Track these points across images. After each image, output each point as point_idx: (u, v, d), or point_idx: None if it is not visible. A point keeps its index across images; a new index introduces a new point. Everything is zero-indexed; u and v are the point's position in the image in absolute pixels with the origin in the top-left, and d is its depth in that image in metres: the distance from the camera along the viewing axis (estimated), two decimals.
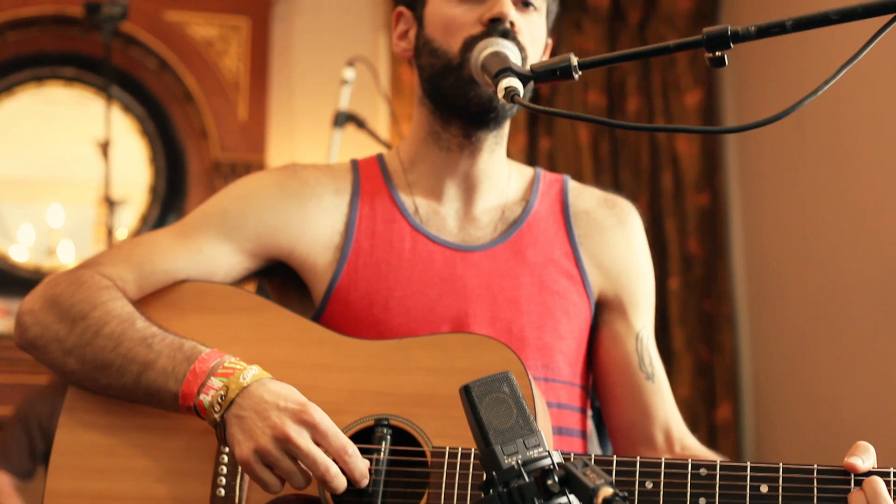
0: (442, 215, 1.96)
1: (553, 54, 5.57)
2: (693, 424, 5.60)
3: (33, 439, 4.09)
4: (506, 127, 2.00)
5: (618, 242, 2.03)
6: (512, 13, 1.87)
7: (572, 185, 2.10)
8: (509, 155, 5.85)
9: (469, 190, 1.98)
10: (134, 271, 1.84)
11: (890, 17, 1.53)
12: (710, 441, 5.74)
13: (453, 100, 1.88)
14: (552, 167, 5.85)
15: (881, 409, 4.70)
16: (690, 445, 1.97)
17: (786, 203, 5.61)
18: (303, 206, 1.93)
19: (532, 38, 1.92)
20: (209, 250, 1.88)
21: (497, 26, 1.85)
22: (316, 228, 1.92)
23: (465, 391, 1.31)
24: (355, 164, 2.03)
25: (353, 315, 1.86)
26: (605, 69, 6.02)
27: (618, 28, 6.16)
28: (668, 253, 5.97)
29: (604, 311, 2.01)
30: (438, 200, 1.97)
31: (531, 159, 5.84)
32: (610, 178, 5.94)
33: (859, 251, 4.97)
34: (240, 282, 1.95)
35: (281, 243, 1.91)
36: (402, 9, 2.02)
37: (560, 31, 6.04)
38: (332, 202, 1.95)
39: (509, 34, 1.85)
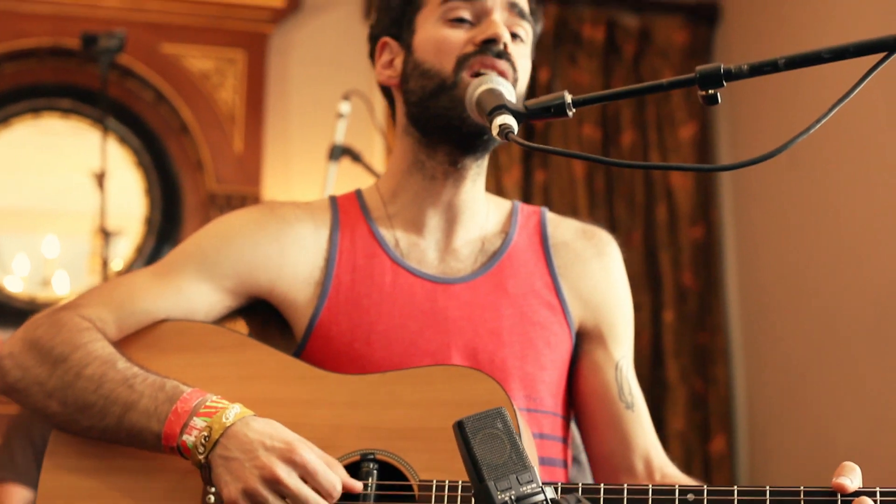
0: (422, 248, 1.97)
1: (548, 87, 5.61)
2: (687, 457, 5.65)
3: (37, 447, 4.05)
4: (486, 158, 2.01)
5: (596, 273, 2.04)
6: (506, 36, 1.89)
7: (550, 216, 2.10)
8: (505, 189, 5.86)
9: (451, 220, 1.98)
10: (114, 312, 1.83)
11: (881, 55, 1.54)
12: (704, 474, 5.73)
13: (447, 120, 1.88)
14: (547, 200, 5.87)
15: (875, 443, 4.70)
16: (670, 474, 1.98)
17: (779, 236, 5.63)
18: (282, 243, 1.93)
19: (522, 67, 1.94)
20: (189, 289, 1.88)
21: (492, 47, 1.87)
22: (296, 265, 1.92)
23: (459, 427, 1.31)
24: (334, 200, 2.04)
25: (335, 350, 1.86)
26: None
27: (612, 62, 6.19)
28: (663, 286, 5.98)
29: (584, 341, 2.01)
30: (419, 232, 1.97)
31: (526, 192, 5.86)
32: (605, 211, 5.96)
33: (852, 284, 4.98)
34: (221, 320, 1.94)
35: (261, 281, 1.91)
36: (386, 39, 2.03)
37: (555, 64, 6.07)
38: (311, 238, 1.95)
39: (504, 54, 1.88)
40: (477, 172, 1.98)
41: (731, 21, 6.23)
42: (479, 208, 2.02)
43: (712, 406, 5.89)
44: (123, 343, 1.83)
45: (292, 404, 1.76)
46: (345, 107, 4.35)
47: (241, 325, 2.01)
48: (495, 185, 5.77)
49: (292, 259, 1.92)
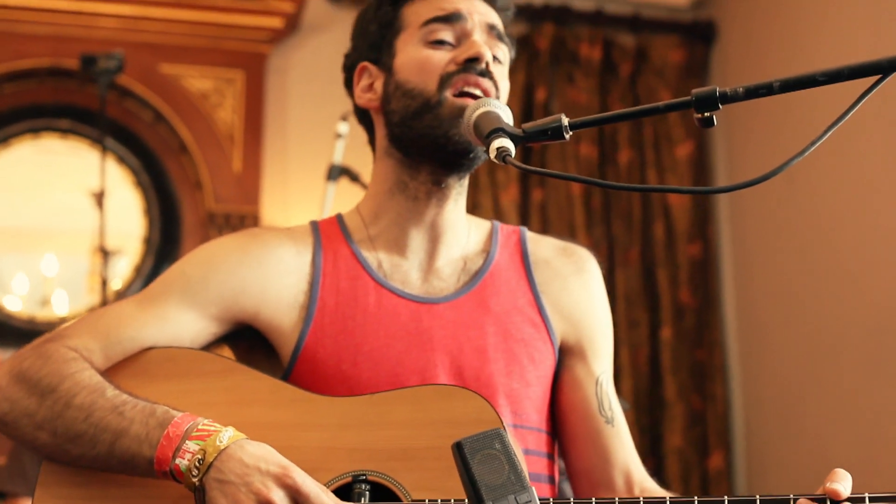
0: (405, 268, 1.98)
1: (546, 106, 5.62)
2: (685, 473, 5.67)
3: None
4: (468, 178, 2.02)
5: (577, 289, 2.06)
6: (489, 55, 1.92)
7: (530, 235, 2.12)
8: (503, 208, 5.87)
9: (434, 240, 1.99)
10: (100, 342, 1.83)
11: (875, 78, 1.56)
12: (703, 490, 5.75)
13: (432, 139, 1.89)
14: (544, 219, 5.89)
15: (871, 459, 4.71)
16: (650, 489, 1.98)
17: (776, 253, 5.65)
18: (265, 268, 1.93)
19: (503, 87, 1.96)
20: (174, 317, 1.88)
21: (475, 66, 1.89)
22: (280, 289, 1.93)
23: (458, 448, 1.32)
24: (315, 225, 2.05)
25: (322, 373, 1.87)
26: None
27: (609, 81, 6.22)
28: (661, 303, 6.00)
29: (565, 357, 2.02)
30: (402, 253, 1.99)
31: (524, 211, 5.87)
32: (602, 229, 5.98)
33: (848, 301, 5.00)
34: (207, 346, 1.94)
35: (245, 306, 1.91)
36: (365, 63, 2.04)
37: (553, 83, 6.10)
38: (294, 262, 1.95)
39: (486, 74, 1.90)
40: (458, 192, 2.00)
41: (727, 39, 6.26)
42: (461, 228, 2.04)
43: (710, 422, 5.90)
44: (111, 371, 1.82)
45: (283, 427, 1.76)
46: (343, 127, 4.36)
47: (226, 352, 2.01)
48: (493, 204, 5.79)
49: (276, 284, 1.93)
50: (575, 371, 2.02)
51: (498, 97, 1.92)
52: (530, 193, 5.90)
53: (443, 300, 1.95)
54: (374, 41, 2.03)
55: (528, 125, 1.70)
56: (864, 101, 1.55)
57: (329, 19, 6.00)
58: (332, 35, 5.99)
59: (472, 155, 1.90)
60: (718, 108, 1.57)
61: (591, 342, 2.04)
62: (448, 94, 1.88)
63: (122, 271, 5.61)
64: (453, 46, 1.94)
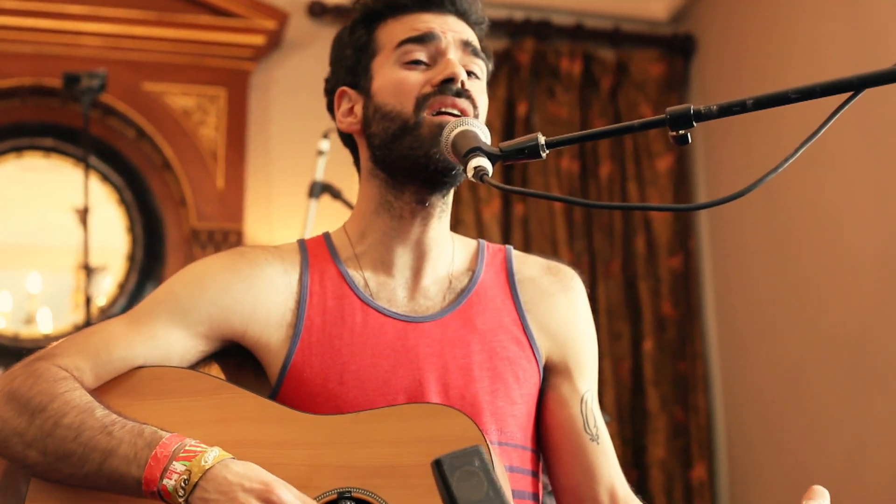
0: (391, 287, 1.99)
1: (527, 121, 5.65)
2: (668, 485, 5.69)
3: None
4: (451, 195, 2.04)
5: (562, 308, 2.07)
6: (464, 75, 1.93)
7: (516, 254, 2.14)
8: (485, 222, 5.89)
9: (419, 258, 2.01)
10: (90, 361, 1.84)
11: (846, 95, 1.59)
12: (686, 501, 5.77)
13: (413, 160, 1.91)
14: (526, 232, 5.91)
15: (852, 471, 4.74)
16: None
17: (756, 265, 5.68)
18: (253, 287, 1.94)
19: (481, 104, 1.97)
20: (164, 336, 1.89)
21: (450, 86, 1.91)
22: (268, 308, 1.94)
23: (437, 465, 1.33)
24: (302, 243, 2.06)
25: (309, 391, 1.88)
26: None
27: (590, 95, 6.25)
28: (642, 315, 6.02)
29: (550, 375, 2.04)
30: (388, 272, 2.00)
31: (506, 225, 5.89)
32: (584, 242, 6.00)
33: (829, 313, 5.04)
34: (196, 364, 1.95)
35: (234, 325, 1.93)
36: (343, 88, 2.06)
37: (533, 98, 6.13)
38: (282, 281, 1.97)
39: (462, 94, 1.91)
40: (442, 209, 2.01)
41: (706, 53, 6.30)
42: (446, 246, 2.06)
43: (693, 434, 5.92)
44: (101, 391, 1.84)
45: (269, 445, 1.77)
46: (324, 144, 4.38)
47: (215, 369, 2.03)
48: (475, 219, 5.81)
49: (264, 302, 1.94)
50: (560, 389, 2.03)
51: (476, 115, 1.93)
52: (512, 208, 5.93)
53: (428, 318, 1.96)
54: (350, 65, 2.05)
55: (504, 144, 1.73)
56: (836, 117, 1.58)
57: (311, 36, 6.02)
58: (315, 52, 6.00)
59: (454, 172, 1.91)
60: (693, 125, 1.59)
61: (577, 360, 2.06)
62: (425, 115, 1.89)
63: (106, 288, 5.61)
64: (428, 66, 1.96)
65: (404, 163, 1.92)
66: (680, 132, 1.61)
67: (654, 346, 5.97)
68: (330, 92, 2.11)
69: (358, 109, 2.03)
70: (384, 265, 2.00)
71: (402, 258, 2.00)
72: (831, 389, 5.00)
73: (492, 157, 1.72)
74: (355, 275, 1.99)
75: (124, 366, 1.87)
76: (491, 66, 2.10)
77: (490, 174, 1.70)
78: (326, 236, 2.09)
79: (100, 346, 1.86)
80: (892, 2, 4.73)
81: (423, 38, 1.96)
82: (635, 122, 1.65)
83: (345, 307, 1.95)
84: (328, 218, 4.67)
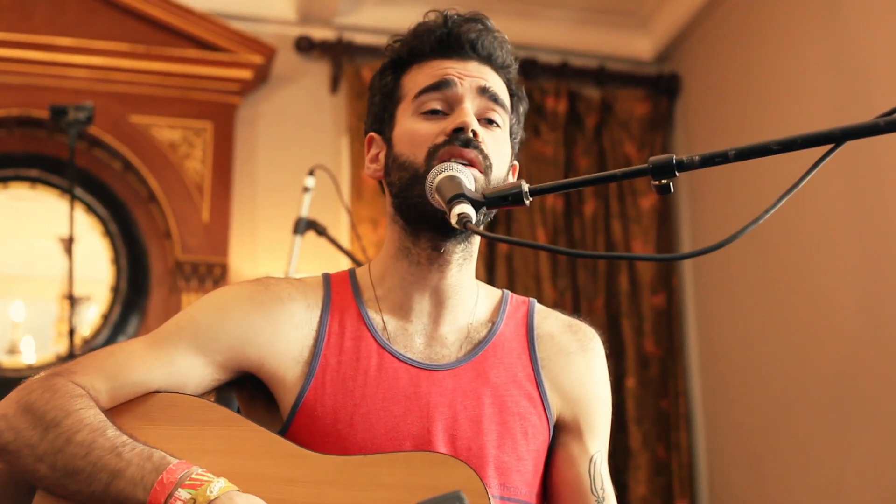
0: (409, 332, 1.99)
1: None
2: None
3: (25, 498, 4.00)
4: (475, 243, 2.04)
5: (579, 367, 2.07)
6: (475, 124, 1.92)
7: (538, 308, 2.13)
8: None
9: (438, 305, 2.01)
10: (107, 382, 1.86)
11: (828, 147, 1.60)
12: None
13: (422, 209, 1.91)
14: (510, 269, 5.92)
15: None
16: None
17: (739, 304, 5.71)
18: (274, 320, 1.95)
19: (497, 152, 1.96)
20: (182, 362, 1.91)
21: (460, 135, 1.91)
22: (287, 342, 1.95)
23: None
24: (327, 279, 2.07)
25: (319, 430, 1.88)
26: (563, 173, 6.12)
27: (574, 133, 6.28)
28: (625, 352, 6.04)
29: (560, 433, 2.04)
30: (406, 317, 2.00)
31: (490, 261, 5.90)
32: (567, 279, 6.02)
33: (810, 352, 5.06)
34: (211, 392, 1.97)
35: (251, 356, 1.94)
36: (372, 134, 2.08)
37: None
38: (303, 317, 1.97)
39: (471, 142, 1.90)
40: (462, 258, 2.01)
41: (691, 92, 6.34)
42: (468, 294, 2.05)
43: (675, 471, 5.93)
44: (115, 412, 1.85)
45: (274, 481, 1.79)
46: (310, 181, 4.39)
47: (229, 397, 2.05)
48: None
49: (284, 337, 1.95)
50: (570, 448, 2.03)
51: (489, 165, 1.93)
52: (497, 244, 5.93)
53: (443, 367, 1.96)
54: (377, 112, 2.07)
55: (489, 191, 1.74)
56: (816, 170, 1.59)
57: (298, 71, 6.05)
58: (302, 87, 6.05)
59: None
60: (675, 175, 1.60)
61: (589, 420, 2.05)
62: (435, 164, 1.89)
63: (90, 319, 5.60)
64: (446, 115, 1.96)
65: (416, 211, 1.93)
66: (662, 181, 1.62)
67: (637, 383, 5.98)
68: (365, 134, 2.13)
69: (381, 156, 2.05)
70: (403, 310, 2.01)
71: (420, 304, 2.01)
72: (812, 429, 5.02)
73: (476, 204, 1.73)
74: (375, 317, 2.00)
75: (141, 389, 1.88)
76: (524, 107, 2.11)
77: (474, 221, 1.71)
78: (352, 274, 2.10)
79: (118, 368, 1.88)
80: (872, 44, 4.78)
81: (439, 86, 1.97)
82: (618, 171, 1.66)
83: (361, 349, 1.95)
84: (313, 254, 4.69)
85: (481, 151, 1.93)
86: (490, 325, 2.06)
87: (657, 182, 1.62)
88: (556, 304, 5.82)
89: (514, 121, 2.08)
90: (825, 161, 1.61)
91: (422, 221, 1.95)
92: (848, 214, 4.85)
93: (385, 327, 1.99)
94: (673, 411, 6.02)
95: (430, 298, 2.01)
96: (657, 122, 6.34)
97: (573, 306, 5.98)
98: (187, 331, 1.94)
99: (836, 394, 4.87)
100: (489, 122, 1.99)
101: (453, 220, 1.70)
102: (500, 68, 2.05)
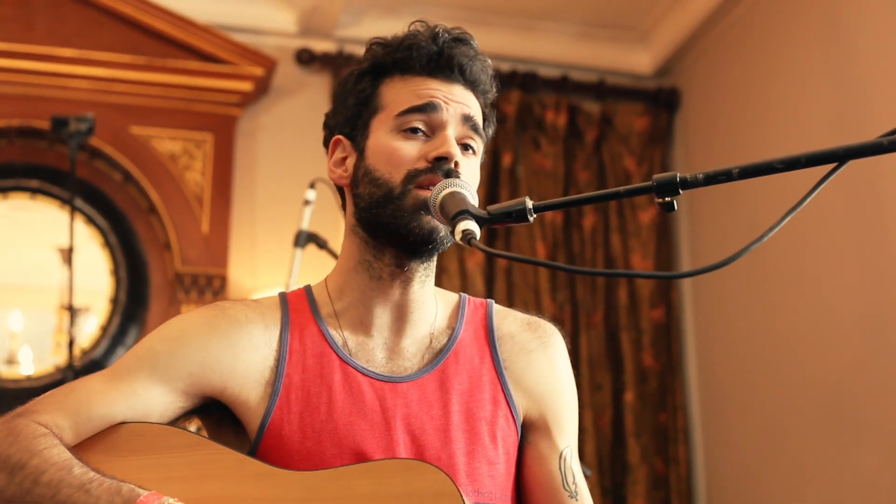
0: (370, 347, 1.98)
1: (511, 172, 5.68)
2: None
3: None
4: (435, 258, 2.02)
5: (541, 364, 2.06)
6: (457, 154, 1.91)
7: (496, 309, 2.12)
8: (468, 271, 5.87)
9: (399, 319, 2.00)
10: (70, 418, 1.84)
11: (831, 166, 1.61)
12: None
13: (393, 229, 1.89)
14: (509, 282, 5.93)
15: None
16: None
17: (738, 318, 5.71)
18: (233, 344, 1.94)
19: (472, 179, 1.95)
20: (143, 392, 1.89)
21: (442, 165, 1.89)
22: (247, 365, 1.93)
23: None
24: (284, 298, 2.05)
25: (287, 449, 1.88)
26: (563, 187, 6.13)
27: (574, 146, 6.29)
28: (624, 366, 6.04)
29: (528, 432, 2.03)
30: (366, 332, 1.99)
31: (489, 275, 5.91)
32: (567, 293, 6.02)
33: (808, 366, 5.06)
34: (177, 420, 1.95)
35: (213, 381, 1.92)
36: (340, 137, 2.04)
37: (518, 149, 6.18)
38: (261, 338, 1.96)
39: (452, 173, 1.88)
40: (425, 273, 2.00)
41: (690, 107, 6.35)
42: (428, 307, 2.04)
43: (673, 485, 5.93)
44: (81, 447, 1.83)
45: (246, 501, 1.78)
46: (311, 194, 4.39)
47: (196, 424, 2.03)
48: (459, 268, 5.83)
49: (244, 359, 1.93)
50: (539, 446, 2.03)
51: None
52: (496, 258, 5.94)
53: (406, 379, 1.95)
54: (350, 116, 2.03)
55: (493, 207, 1.73)
56: (820, 188, 1.60)
57: (298, 83, 6.06)
58: (302, 99, 6.06)
59: (432, 245, 1.90)
60: (679, 193, 1.60)
61: (556, 417, 2.05)
62: (412, 188, 1.88)
63: (88, 330, 5.60)
64: (426, 135, 1.94)
65: (385, 229, 1.91)
66: (666, 199, 1.62)
67: (635, 397, 5.99)
68: (328, 130, 2.10)
69: (350, 164, 2.01)
70: (363, 325, 1.99)
71: (381, 318, 1.99)
72: (810, 443, 5.02)
73: (480, 221, 1.72)
74: (335, 333, 1.98)
75: (104, 423, 1.86)
76: (492, 130, 2.09)
77: (478, 237, 1.70)
78: (308, 290, 2.07)
79: (80, 404, 1.86)
80: (871, 59, 4.79)
81: (425, 108, 1.94)
82: (622, 188, 1.66)
83: (324, 365, 1.94)
84: (313, 267, 4.68)
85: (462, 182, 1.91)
86: (450, 331, 2.05)
87: (661, 200, 1.62)
88: (556, 318, 5.84)
89: (484, 144, 2.06)
90: (828, 180, 1.61)
91: (389, 239, 1.93)
92: (846, 230, 4.86)
93: (346, 342, 1.98)
94: (671, 425, 6.02)
95: (392, 313, 2.00)
96: (657, 136, 6.35)
97: (572, 320, 5.98)
98: (146, 361, 1.92)
99: (834, 408, 4.87)
100: (465, 148, 1.97)
101: (458, 237, 1.70)
102: (481, 94, 2.04)
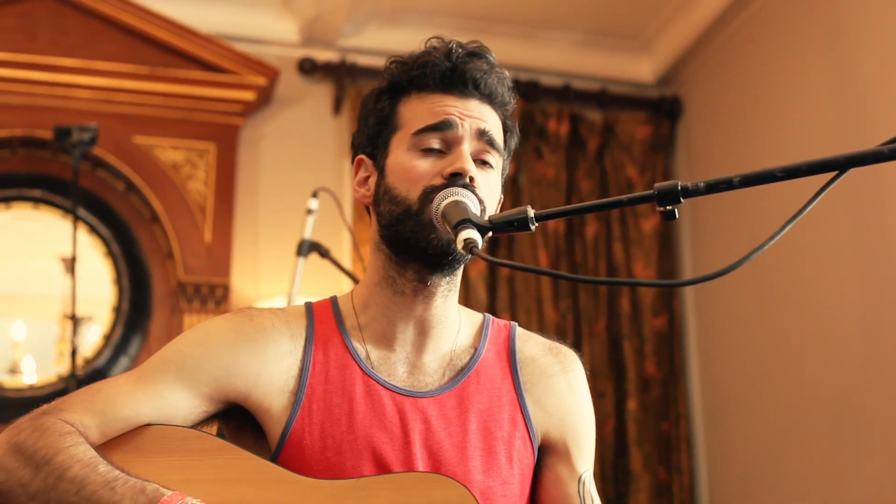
0: (392, 361, 2.00)
1: (514, 180, 5.69)
2: None
3: None
4: (459, 273, 2.04)
5: (562, 389, 2.08)
6: (472, 169, 1.92)
7: (519, 332, 2.14)
8: (471, 280, 5.88)
9: (422, 335, 2.01)
10: (96, 418, 1.86)
11: (832, 174, 1.61)
12: None
13: (413, 243, 1.91)
14: (512, 290, 5.93)
15: None
16: None
17: (740, 326, 5.71)
18: (259, 351, 1.96)
19: (489, 193, 1.96)
20: (169, 395, 1.90)
21: (457, 180, 1.90)
22: (272, 373, 1.95)
23: None
24: (310, 309, 2.07)
25: (307, 459, 1.89)
26: (565, 195, 6.14)
27: (576, 155, 6.30)
28: (626, 375, 6.04)
29: (546, 455, 2.05)
30: (389, 346, 2.01)
31: (491, 284, 5.91)
32: (569, 301, 6.02)
33: (811, 374, 5.06)
34: (199, 424, 1.96)
35: (237, 387, 1.93)
36: (362, 157, 2.07)
37: (521, 157, 6.17)
38: (287, 347, 1.98)
39: (468, 188, 1.89)
40: (448, 289, 2.01)
41: (692, 115, 6.36)
42: (451, 323, 2.05)
43: (676, 494, 5.92)
44: (106, 447, 1.85)
45: None
46: (314, 203, 4.38)
47: (214, 429, 2.04)
48: (462, 276, 5.82)
49: (269, 367, 1.95)
50: (557, 469, 2.04)
51: (483, 209, 1.92)
52: (497, 266, 5.94)
53: (426, 395, 1.97)
54: (371, 135, 2.05)
55: (494, 216, 1.74)
56: (821, 197, 1.60)
57: (301, 93, 6.07)
58: (305, 108, 6.07)
59: (451, 257, 1.92)
60: (680, 201, 1.61)
61: (575, 441, 2.06)
62: (429, 203, 1.89)
63: (91, 339, 5.60)
64: (442, 153, 1.95)
65: (406, 245, 1.93)
66: (667, 208, 1.63)
67: (638, 405, 5.98)
68: (354, 150, 2.12)
69: (372, 182, 2.04)
70: (386, 339, 2.01)
71: (404, 334, 2.01)
72: (813, 451, 5.02)
73: (482, 230, 1.73)
74: (358, 346, 2.00)
75: (129, 424, 1.88)
76: (516, 142, 2.10)
77: (480, 246, 1.71)
78: (334, 302, 2.09)
79: (106, 404, 1.88)
80: (872, 68, 4.80)
81: (440, 126, 1.95)
82: (624, 197, 1.67)
83: (346, 377, 1.95)
84: (316, 276, 4.68)
85: (477, 196, 1.92)
86: (472, 350, 2.07)
87: (662, 208, 1.63)
88: (558, 327, 5.85)
89: (504, 157, 2.07)
90: (829, 188, 1.61)
91: (409, 254, 1.95)
92: (848, 237, 4.86)
93: (368, 355, 1.99)
94: (674, 434, 6.02)
95: (414, 328, 2.01)
96: (659, 144, 6.35)
97: (574, 328, 5.98)
98: (173, 364, 1.94)
99: (836, 417, 4.87)
100: (483, 163, 1.98)
101: (459, 245, 1.71)
102: (499, 106, 2.05)
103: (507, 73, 2.07)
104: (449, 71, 1.99)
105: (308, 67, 6.05)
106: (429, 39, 2.05)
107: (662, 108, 6.43)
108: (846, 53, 5.00)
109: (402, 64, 2.04)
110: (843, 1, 5.04)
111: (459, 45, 2.02)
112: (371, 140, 2.06)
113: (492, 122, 2.01)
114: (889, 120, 4.62)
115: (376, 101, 2.06)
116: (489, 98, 2.02)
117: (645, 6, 6.16)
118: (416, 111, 2.00)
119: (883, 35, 4.76)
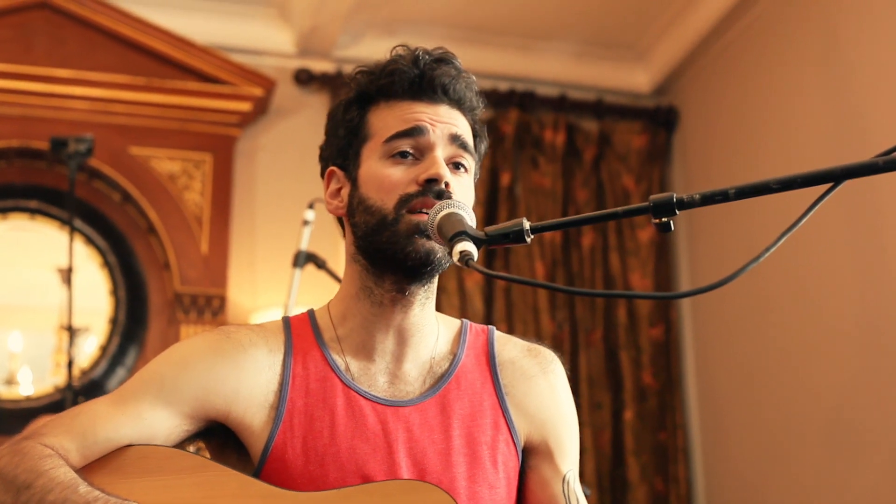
0: (372, 372, 1.99)
1: (510, 190, 5.68)
2: None
3: None
4: (436, 280, 2.03)
5: (542, 390, 2.07)
6: (447, 174, 1.92)
7: (497, 335, 2.13)
8: (467, 290, 5.88)
9: (401, 344, 2.00)
10: (76, 441, 1.85)
11: (827, 186, 1.61)
12: None
13: (390, 254, 1.90)
14: (508, 301, 5.93)
15: None
16: None
17: (737, 336, 5.71)
18: (237, 367, 1.95)
19: (465, 196, 1.95)
20: (149, 416, 1.90)
21: (432, 186, 1.89)
22: (251, 388, 1.94)
23: None
24: (287, 323, 2.06)
25: (290, 473, 1.88)
26: (561, 205, 6.14)
27: (573, 165, 6.30)
28: (623, 385, 6.04)
29: (530, 457, 2.05)
30: (368, 357, 2.00)
31: (488, 294, 5.91)
32: (566, 311, 6.02)
33: (808, 384, 5.07)
34: (181, 443, 1.95)
35: (217, 405, 1.93)
36: (333, 168, 2.06)
37: (517, 167, 6.18)
38: (265, 362, 1.97)
39: (444, 194, 1.89)
40: (425, 297, 2.00)
41: (688, 125, 6.36)
42: (429, 330, 2.05)
43: None
44: (87, 469, 1.84)
45: None
46: (310, 214, 4.39)
47: (194, 447, 2.04)
48: (458, 287, 5.83)
49: (248, 383, 1.94)
50: (541, 470, 2.04)
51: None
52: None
53: (408, 403, 1.96)
54: (341, 146, 2.04)
55: (490, 229, 1.73)
56: (816, 208, 1.60)
57: (298, 103, 6.07)
58: (301, 119, 6.07)
59: (430, 267, 1.91)
60: (675, 213, 1.60)
61: (558, 441, 2.06)
62: (405, 212, 1.89)
63: (88, 350, 5.59)
64: (415, 158, 1.95)
65: (383, 255, 1.92)
66: (663, 219, 1.63)
67: (635, 416, 5.98)
68: (323, 163, 2.11)
69: (344, 194, 2.02)
70: (365, 350, 2.00)
71: (383, 343, 2.00)
72: (810, 461, 5.02)
73: (477, 242, 1.72)
74: (338, 358, 1.99)
75: (110, 446, 1.87)
76: (485, 147, 2.09)
77: (475, 259, 1.71)
78: (311, 315, 2.08)
79: (86, 427, 1.87)
80: (867, 79, 4.80)
81: (412, 132, 1.95)
82: (619, 209, 1.66)
83: (327, 390, 1.95)
84: (312, 287, 4.68)
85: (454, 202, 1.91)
86: (451, 356, 2.06)
87: (657, 220, 1.63)
88: (555, 337, 5.85)
89: (476, 161, 2.06)
90: (824, 200, 1.61)
91: (387, 264, 1.94)
92: (845, 247, 4.87)
93: (348, 367, 1.99)
94: (671, 444, 6.02)
95: (393, 337, 2.00)
96: (655, 154, 6.36)
97: (571, 339, 5.98)
98: (152, 385, 1.93)
99: (834, 427, 4.87)
100: (457, 167, 1.97)
101: (455, 258, 1.70)
102: (468, 111, 2.04)
103: (473, 77, 2.06)
104: (417, 78, 1.98)
105: (304, 78, 6.06)
106: (394, 48, 2.04)
107: (658, 118, 6.44)
108: (841, 64, 5.01)
109: (369, 73, 2.03)
110: (839, 12, 5.05)
111: (426, 51, 2.01)
112: (341, 151, 2.04)
113: (462, 127, 2.01)
114: (885, 131, 4.63)
115: (345, 112, 2.05)
116: (458, 103, 2.02)
117: (641, 17, 6.17)
118: (387, 119, 1.99)
119: (878, 46, 4.77)
